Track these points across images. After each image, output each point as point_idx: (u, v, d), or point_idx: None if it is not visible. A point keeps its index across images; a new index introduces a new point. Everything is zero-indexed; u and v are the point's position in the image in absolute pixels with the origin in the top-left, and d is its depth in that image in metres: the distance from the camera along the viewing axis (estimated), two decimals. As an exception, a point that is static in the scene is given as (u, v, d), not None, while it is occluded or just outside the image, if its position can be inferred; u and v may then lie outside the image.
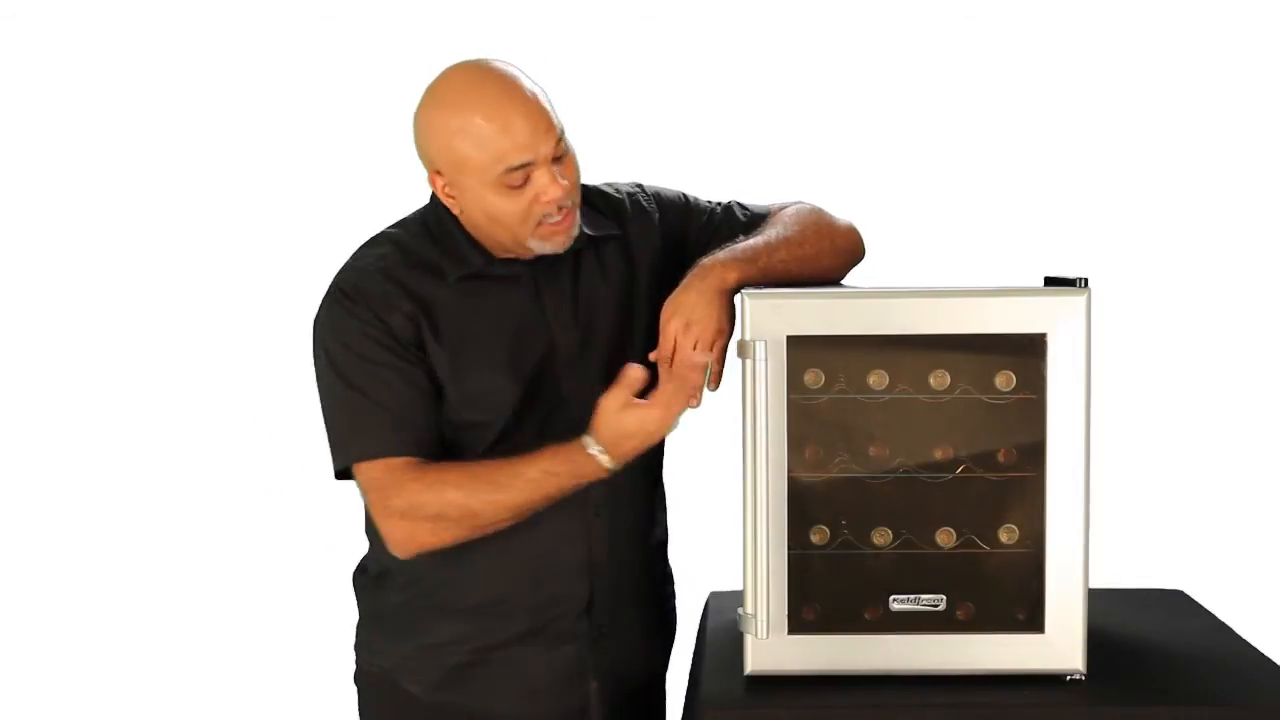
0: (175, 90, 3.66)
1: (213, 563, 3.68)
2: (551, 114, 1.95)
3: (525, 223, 1.94)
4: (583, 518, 2.03)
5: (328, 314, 2.00)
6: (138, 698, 3.59)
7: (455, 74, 1.96)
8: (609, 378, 1.99)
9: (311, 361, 2.02)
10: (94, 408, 3.71)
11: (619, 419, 1.90)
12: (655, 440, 1.93)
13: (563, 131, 1.95)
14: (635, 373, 1.91)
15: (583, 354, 2.03)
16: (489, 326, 2.00)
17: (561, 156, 1.95)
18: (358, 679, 2.17)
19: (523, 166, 1.91)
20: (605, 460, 1.91)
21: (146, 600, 3.68)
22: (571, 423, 1.97)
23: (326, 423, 2.01)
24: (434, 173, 1.98)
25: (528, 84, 1.94)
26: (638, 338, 2.05)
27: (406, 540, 1.96)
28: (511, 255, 2.02)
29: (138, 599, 3.68)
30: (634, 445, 1.91)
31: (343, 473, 2.01)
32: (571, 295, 2.05)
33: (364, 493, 1.99)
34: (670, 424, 1.92)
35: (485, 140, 1.90)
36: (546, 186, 1.92)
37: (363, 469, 1.96)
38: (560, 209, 1.94)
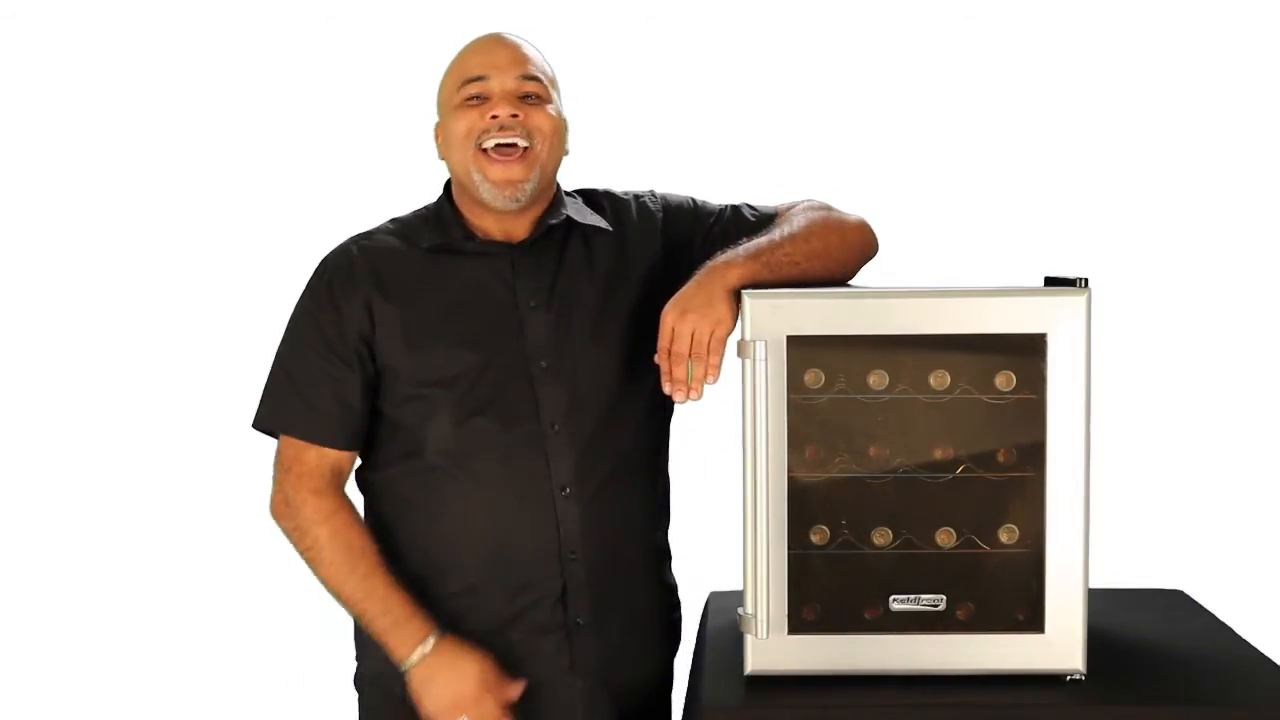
0: (176, 90, 3.66)
1: (214, 564, 3.67)
2: (532, 58, 2.03)
3: (469, 138, 1.99)
4: (548, 497, 2.02)
5: (305, 288, 2.09)
6: (142, 700, 3.59)
7: None
8: (584, 368, 2.02)
9: None
10: (90, 409, 3.71)
11: (445, 678, 1.98)
12: (451, 699, 1.97)
13: (544, 83, 2.03)
14: (514, 692, 2.01)
15: (558, 339, 2.03)
16: (454, 298, 2.03)
17: (532, 99, 2.01)
18: (356, 682, 2.18)
19: (479, 79, 1.99)
20: (417, 663, 1.97)
21: (146, 603, 3.68)
22: (537, 412, 2.00)
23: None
24: (437, 125, 2.09)
25: (522, 39, 2.06)
26: (617, 333, 2.06)
27: (275, 513, 2.07)
28: (494, 237, 2.06)
29: (138, 603, 3.68)
30: (440, 683, 1.97)
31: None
32: (550, 279, 2.06)
33: (275, 456, 2.08)
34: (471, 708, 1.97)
35: (457, 64, 2.05)
36: (497, 104, 1.98)
37: (280, 440, 2.08)
38: (505, 129, 1.97)
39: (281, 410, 2.06)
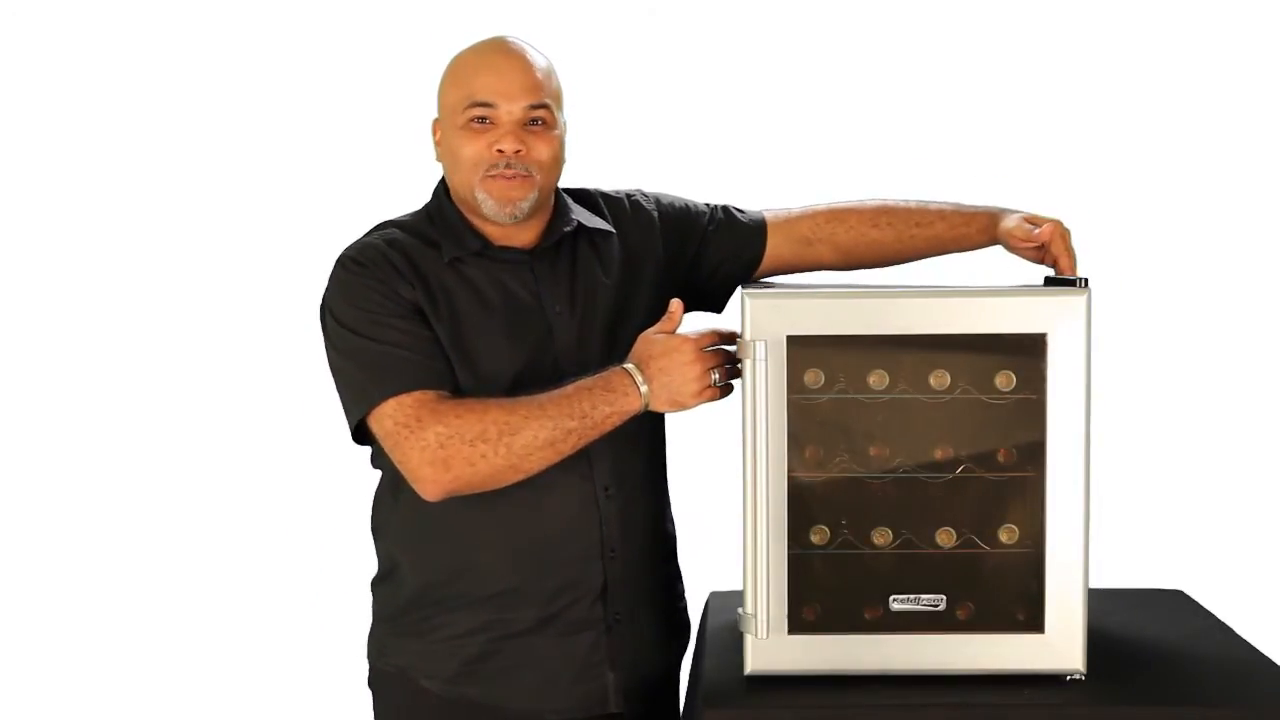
0: (175, 90, 3.66)
1: (222, 569, 3.67)
2: (541, 82, 2.01)
3: (476, 167, 2.00)
4: (591, 498, 2.03)
5: (335, 284, 2.02)
6: (145, 705, 3.59)
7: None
8: (606, 366, 2.00)
9: (321, 340, 2.03)
10: (102, 411, 3.70)
11: (648, 341, 1.93)
12: (683, 369, 1.89)
13: (551, 107, 2.02)
14: (674, 305, 1.95)
15: (581, 341, 2.05)
16: (485, 305, 2.02)
17: (537, 125, 2.00)
18: (372, 683, 2.16)
19: (486, 105, 1.99)
20: (638, 376, 1.91)
21: (153, 607, 3.68)
22: None
23: (341, 383, 2.00)
24: (435, 122, 2.08)
25: (530, 51, 2.03)
26: (633, 334, 2.05)
27: (440, 473, 1.90)
28: (506, 243, 2.05)
29: (145, 606, 3.67)
30: (662, 366, 1.90)
31: (361, 434, 2.00)
32: (569, 283, 2.07)
33: (389, 436, 1.93)
34: (694, 351, 1.90)
35: (464, 78, 2.02)
36: (503, 136, 1.99)
37: (389, 410, 1.93)
38: (510, 166, 1.98)
39: (399, 374, 1.93)
